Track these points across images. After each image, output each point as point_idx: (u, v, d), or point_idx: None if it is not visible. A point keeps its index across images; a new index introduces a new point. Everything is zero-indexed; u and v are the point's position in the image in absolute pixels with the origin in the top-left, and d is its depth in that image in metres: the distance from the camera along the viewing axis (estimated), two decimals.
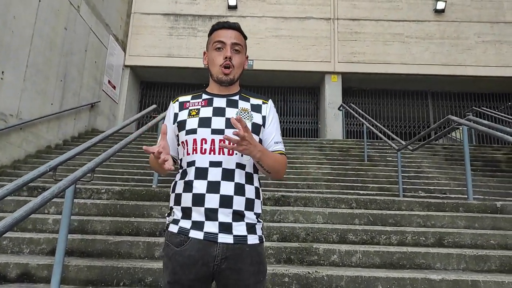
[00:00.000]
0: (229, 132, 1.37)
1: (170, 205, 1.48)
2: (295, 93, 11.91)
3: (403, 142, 5.86)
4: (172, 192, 1.48)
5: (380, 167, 7.32)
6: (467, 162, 4.15)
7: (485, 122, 3.96)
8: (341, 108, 9.83)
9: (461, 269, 2.93)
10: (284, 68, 10.72)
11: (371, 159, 7.77)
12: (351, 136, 11.12)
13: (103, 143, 7.21)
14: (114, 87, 10.29)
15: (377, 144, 8.87)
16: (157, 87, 12.02)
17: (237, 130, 1.24)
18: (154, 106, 4.64)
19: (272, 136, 1.49)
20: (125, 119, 10.68)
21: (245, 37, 1.53)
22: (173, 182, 1.50)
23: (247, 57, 1.55)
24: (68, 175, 2.50)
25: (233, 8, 11.22)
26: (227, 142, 1.31)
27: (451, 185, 6.57)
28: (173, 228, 1.41)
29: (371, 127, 6.97)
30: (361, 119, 7.51)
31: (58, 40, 7.54)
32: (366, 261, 3.00)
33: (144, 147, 1.32)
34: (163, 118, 4.63)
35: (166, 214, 1.49)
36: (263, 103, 1.52)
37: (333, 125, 10.61)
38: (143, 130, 3.85)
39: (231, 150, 1.39)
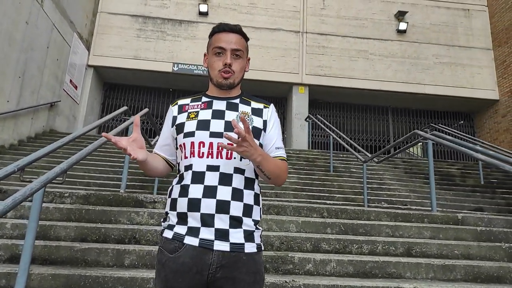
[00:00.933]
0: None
1: (166, 210, 1.43)
2: None
3: (369, 155, 6.06)
4: (168, 197, 1.43)
5: (345, 178, 7.50)
6: (431, 176, 4.33)
7: (449, 137, 4.18)
8: (307, 119, 10.01)
9: (430, 278, 3.03)
10: (253, 77, 10.75)
11: (336, 170, 7.95)
12: (315, 147, 11.34)
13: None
14: (75, 87, 9.85)
15: (341, 155, 9.10)
16: (121, 89, 11.66)
17: (238, 132, 1.19)
18: (125, 108, 4.48)
19: (273, 141, 1.46)
20: (86, 120, 10.25)
21: (246, 39, 1.50)
22: (170, 187, 1.45)
23: (249, 59, 1.53)
24: (32, 177, 2.33)
25: (204, 14, 11.17)
26: (225, 142, 1.26)
27: (411, 197, 6.85)
28: (168, 234, 1.36)
29: (338, 139, 7.15)
30: (328, 130, 7.68)
31: (18, 35, 7.12)
32: (340, 270, 3.03)
33: (103, 133, 1.28)
34: (132, 123, 4.47)
35: (162, 220, 1.44)
36: (265, 107, 1.50)
37: (299, 136, 10.78)
38: (116, 132, 3.68)
39: (229, 154, 1.36)
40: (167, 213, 1.42)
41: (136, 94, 11.66)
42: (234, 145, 1.22)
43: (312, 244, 3.39)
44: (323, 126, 8.22)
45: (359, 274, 3.03)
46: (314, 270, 3.03)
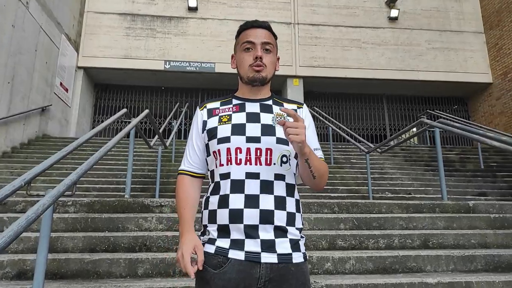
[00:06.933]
0: (265, 139, 1.28)
1: (204, 223, 1.33)
2: None
3: (371, 145, 6.00)
4: (204, 209, 1.34)
5: (346, 169, 7.45)
6: (440, 164, 4.28)
7: (458, 124, 4.13)
8: None
9: (450, 270, 2.99)
10: None
11: (337, 161, 7.89)
12: None
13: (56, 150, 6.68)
14: (66, 90, 9.62)
15: (340, 146, 9.05)
16: (113, 89, 11.44)
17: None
18: (124, 110, 4.33)
19: (311, 142, 1.35)
20: (78, 123, 10.04)
21: (275, 37, 1.42)
22: (205, 197, 1.35)
23: (279, 58, 1.44)
24: (38, 192, 2.21)
25: (193, 9, 10.97)
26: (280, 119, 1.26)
27: (414, 185, 6.82)
28: (209, 248, 1.27)
29: (339, 130, 7.08)
30: (327, 122, 7.61)
31: (4, 39, 6.89)
32: (360, 267, 2.97)
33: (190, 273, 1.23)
34: (135, 126, 4.33)
35: (200, 233, 1.34)
36: (298, 107, 1.43)
37: None
38: (120, 137, 3.55)
39: (269, 160, 1.28)
40: (205, 226, 1.32)
41: (128, 94, 11.46)
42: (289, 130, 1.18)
43: (328, 241, 3.32)
44: (321, 118, 8.14)
45: (379, 270, 2.97)
46: (333, 269, 2.96)
